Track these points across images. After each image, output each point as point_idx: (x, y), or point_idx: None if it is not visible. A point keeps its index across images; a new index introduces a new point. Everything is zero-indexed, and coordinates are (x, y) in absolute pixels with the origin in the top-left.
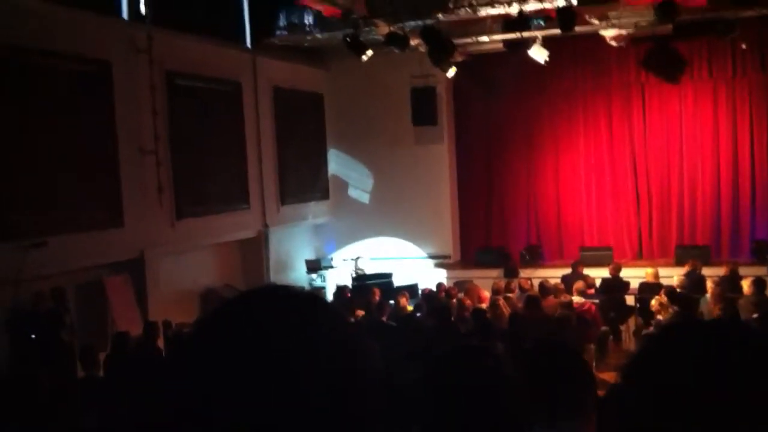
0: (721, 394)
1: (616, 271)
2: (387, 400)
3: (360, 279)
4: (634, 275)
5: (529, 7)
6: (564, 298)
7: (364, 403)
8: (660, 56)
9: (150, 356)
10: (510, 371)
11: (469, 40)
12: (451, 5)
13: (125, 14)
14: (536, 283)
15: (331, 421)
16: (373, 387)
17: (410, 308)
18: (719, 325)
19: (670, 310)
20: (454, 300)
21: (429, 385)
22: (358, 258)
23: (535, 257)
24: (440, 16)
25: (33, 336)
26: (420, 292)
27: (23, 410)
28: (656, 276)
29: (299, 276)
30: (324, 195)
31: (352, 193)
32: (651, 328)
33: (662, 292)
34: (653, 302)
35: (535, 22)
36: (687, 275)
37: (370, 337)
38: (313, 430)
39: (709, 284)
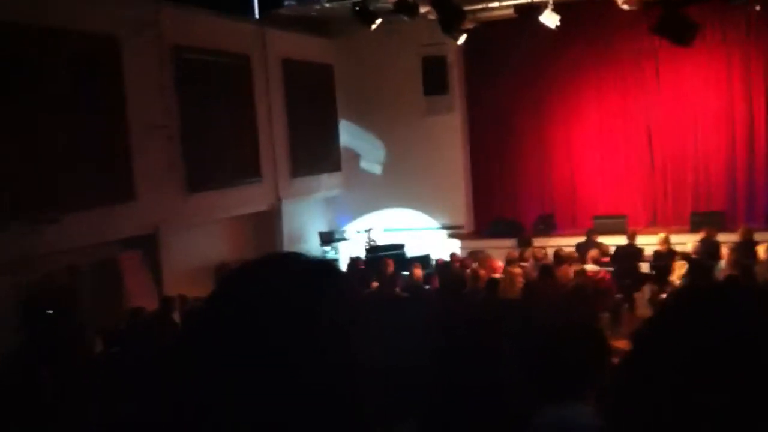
0: (733, 358)
1: (630, 239)
2: (382, 391)
3: (373, 250)
4: (649, 243)
5: None
6: (578, 266)
7: (358, 395)
8: (671, 20)
9: (166, 330)
10: (512, 361)
11: (479, 6)
12: None
13: None
14: (550, 252)
15: (325, 412)
16: (367, 379)
17: None
18: (731, 288)
19: None
20: (468, 270)
21: (428, 380)
22: (370, 230)
23: (549, 226)
24: None
25: (50, 312)
26: (434, 262)
27: (34, 395)
28: (666, 241)
29: (313, 248)
30: (336, 167)
31: (364, 164)
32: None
33: (676, 257)
34: (676, 269)
35: None
36: (702, 242)
37: (380, 312)
38: (307, 420)
39: (724, 250)
